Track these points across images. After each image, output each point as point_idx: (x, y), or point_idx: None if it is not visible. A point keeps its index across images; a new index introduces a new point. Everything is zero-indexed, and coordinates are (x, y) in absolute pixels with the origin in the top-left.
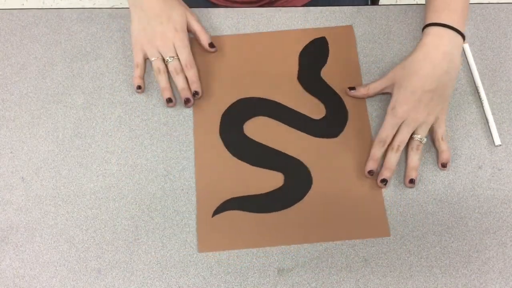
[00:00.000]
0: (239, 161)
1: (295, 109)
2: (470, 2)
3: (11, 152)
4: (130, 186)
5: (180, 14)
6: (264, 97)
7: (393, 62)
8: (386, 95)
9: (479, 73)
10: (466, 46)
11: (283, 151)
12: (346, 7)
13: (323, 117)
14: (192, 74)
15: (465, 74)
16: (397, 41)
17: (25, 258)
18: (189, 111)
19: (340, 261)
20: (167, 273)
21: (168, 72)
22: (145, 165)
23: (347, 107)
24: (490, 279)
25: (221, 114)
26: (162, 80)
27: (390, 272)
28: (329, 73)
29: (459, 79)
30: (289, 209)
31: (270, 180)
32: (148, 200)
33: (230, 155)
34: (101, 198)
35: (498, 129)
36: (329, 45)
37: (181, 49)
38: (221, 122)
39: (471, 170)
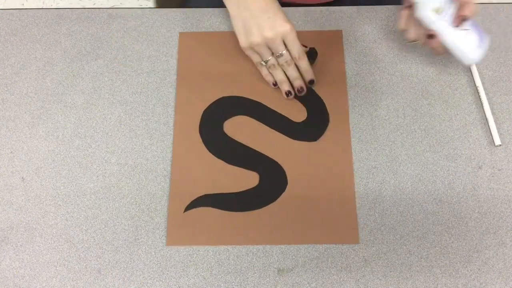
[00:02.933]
0: (216, 158)
1: (277, 110)
2: None
3: (11, 152)
4: (130, 186)
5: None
6: (246, 96)
7: (393, 62)
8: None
9: (479, 73)
10: None
11: (261, 151)
12: (346, 7)
13: (304, 120)
14: (305, 64)
15: (465, 74)
16: (397, 41)
17: (25, 258)
18: None
19: (340, 261)
20: (167, 273)
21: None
22: (145, 165)
23: (329, 111)
24: (490, 279)
25: (202, 111)
26: (279, 74)
27: (390, 272)
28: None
29: (459, 79)
30: (261, 209)
31: (246, 179)
32: (148, 200)
33: (208, 152)
34: (101, 198)
35: (498, 129)
36: (318, 50)
37: (291, 43)
38: (201, 119)
39: (471, 170)
